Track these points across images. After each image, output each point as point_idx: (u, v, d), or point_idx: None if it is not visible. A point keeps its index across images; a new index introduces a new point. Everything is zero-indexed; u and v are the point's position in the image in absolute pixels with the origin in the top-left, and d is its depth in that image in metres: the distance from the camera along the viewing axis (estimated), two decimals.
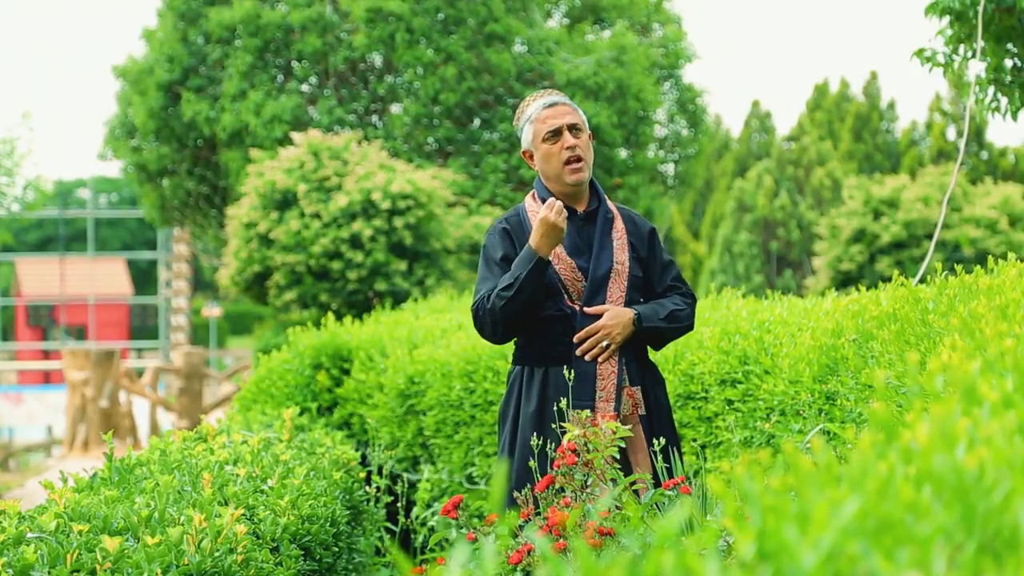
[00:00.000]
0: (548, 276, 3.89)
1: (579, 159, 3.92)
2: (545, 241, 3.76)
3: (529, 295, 3.80)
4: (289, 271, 12.44)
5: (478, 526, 3.16)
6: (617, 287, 3.93)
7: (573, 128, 3.94)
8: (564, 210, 3.79)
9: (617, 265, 3.94)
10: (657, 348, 4.08)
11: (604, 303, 3.90)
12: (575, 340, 3.85)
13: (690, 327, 4.04)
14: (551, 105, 3.95)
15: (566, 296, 3.91)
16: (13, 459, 17.93)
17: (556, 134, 3.92)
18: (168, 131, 19.84)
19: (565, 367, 3.85)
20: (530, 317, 3.89)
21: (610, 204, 4.06)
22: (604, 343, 3.83)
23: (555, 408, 3.87)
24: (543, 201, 3.96)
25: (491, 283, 3.88)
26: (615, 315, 3.85)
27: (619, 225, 4.01)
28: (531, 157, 4.01)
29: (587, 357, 3.84)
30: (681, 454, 3.94)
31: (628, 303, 3.93)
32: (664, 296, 4.03)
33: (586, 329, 3.85)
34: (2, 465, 17.09)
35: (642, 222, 4.10)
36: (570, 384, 3.84)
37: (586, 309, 3.87)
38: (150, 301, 36.26)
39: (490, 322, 3.85)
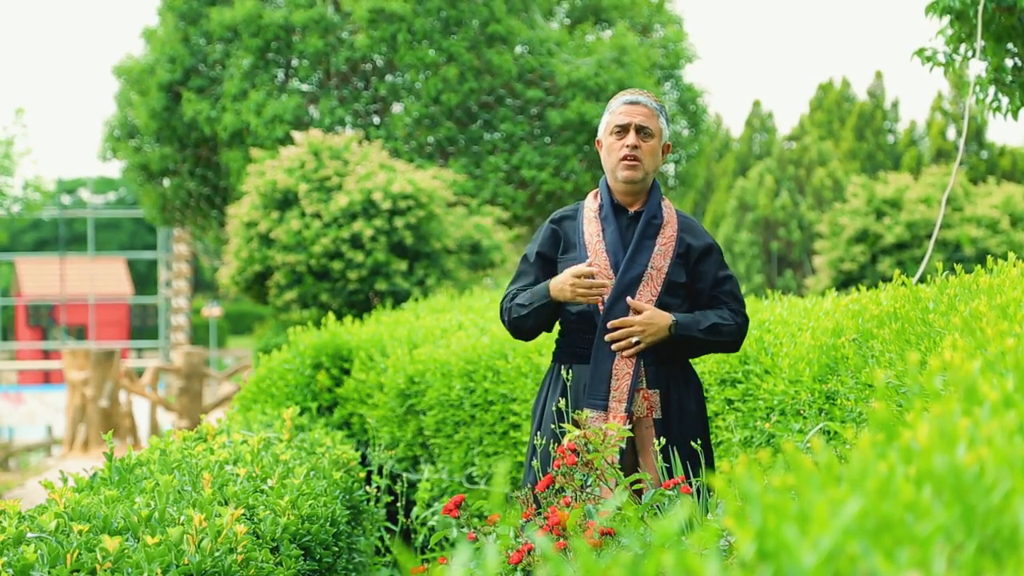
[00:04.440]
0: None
1: (635, 158, 3.92)
2: (563, 292, 3.86)
3: (535, 324, 3.97)
4: (289, 271, 12.44)
5: (478, 526, 3.15)
6: (648, 291, 3.90)
7: (642, 130, 3.94)
8: (589, 290, 3.83)
9: (652, 270, 3.90)
10: (691, 356, 4.02)
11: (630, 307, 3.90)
12: (608, 326, 3.85)
13: (735, 344, 3.97)
14: (632, 103, 3.97)
15: None
16: (13, 459, 17.93)
17: (623, 130, 3.95)
18: (169, 131, 19.84)
19: (582, 366, 3.90)
20: (553, 320, 4.03)
21: (668, 210, 4.03)
22: (634, 339, 3.83)
23: (554, 408, 3.90)
24: (601, 197, 4.01)
25: (521, 282, 4.05)
26: (652, 316, 3.84)
27: (668, 232, 3.97)
28: (601, 147, 4.05)
29: (613, 347, 3.84)
30: (709, 458, 3.92)
31: (660, 307, 3.90)
32: (712, 307, 3.98)
33: (620, 319, 3.85)
34: (2, 465, 17.09)
35: (702, 232, 4.06)
36: (584, 383, 3.87)
37: (629, 301, 3.84)
38: (150, 301, 36.26)
39: (507, 325, 4.06)
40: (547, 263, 4.05)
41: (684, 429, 3.87)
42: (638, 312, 3.86)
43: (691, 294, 3.99)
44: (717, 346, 3.96)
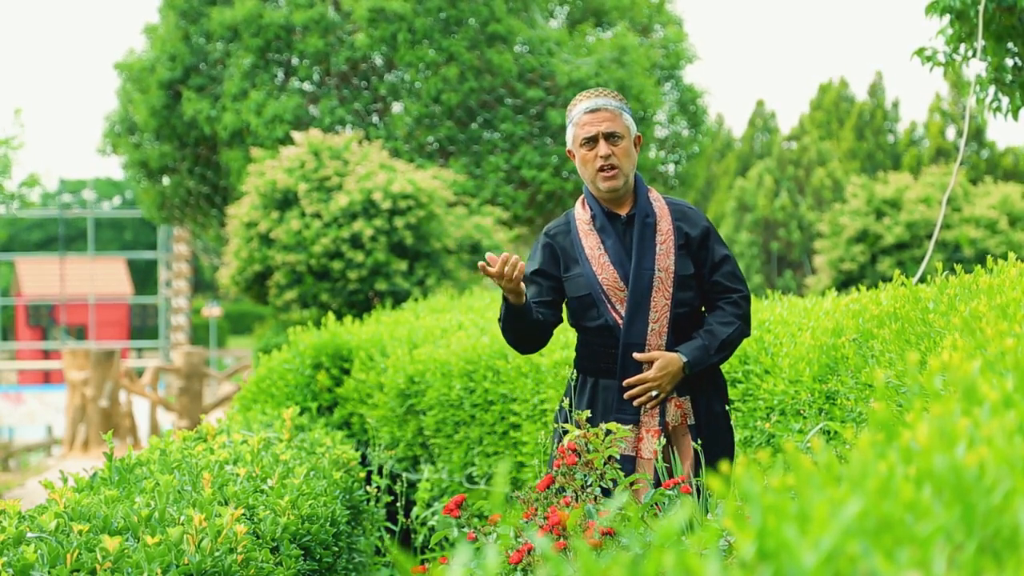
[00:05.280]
0: (590, 285, 3.88)
1: (612, 167, 3.87)
2: (507, 295, 3.77)
3: (516, 334, 3.87)
4: (289, 271, 12.44)
5: (479, 526, 3.16)
6: (662, 295, 3.85)
7: (610, 136, 3.87)
8: (512, 275, 3.67)
9: (660, 273, 3.85)
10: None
11: (648, 314, 3.83)
12: (624, 384, 3.83)
13: (746, 334, 3.95)
14: (592, 111, 3.89)
15: (609, 306, 3.87)
16: (13, 459, 17.93)
17: (592, 141, 3.88)
18: (169, 129, 19.84)
19: (607, 380, 3.87)
20: (569, 328, 3.96)
21: (656, 202, 3.96)
22: (653, 393, 3.82)
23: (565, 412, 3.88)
24: (590, 208, 3.95)
25: None
26: (665, 365, 3.81)
27: (664, 227, 3.91)
28: (574, 157, 4.00)
29: (635, 403, 3.82)
30: (731, 456, 3.92)
31: (676, 307, 3.86)
32: (715, 308, 3.94)
33: (636, 378, 3.82)
34: (2, 465, 17.09)
35: (696, 216, 3.98)
36: (612, 398, 3.85)
37: (636, 356, 3.82)
38: (150, 301, 36.27)
39: (506, 341, 3.99)
40: (548, 279, 3.97)
41: (712, 431, 3.86)
42: (649, 363, 3.83)
43: (700, 281, 3.96)
44: (731, 354, 3.95)
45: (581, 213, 3.99)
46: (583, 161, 3.92)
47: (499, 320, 3.90)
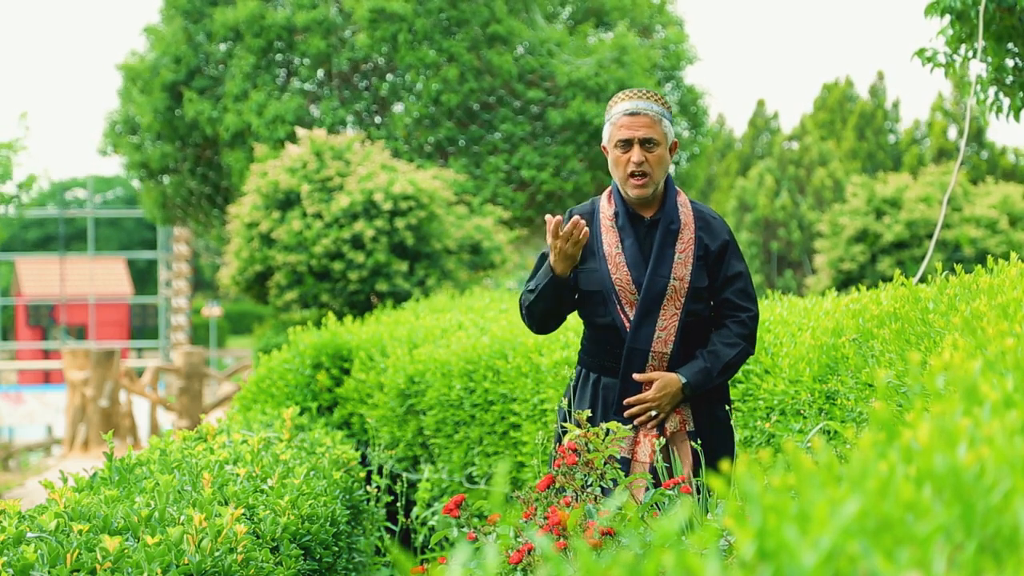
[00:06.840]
0: (602, 283, 3.87)
1: (643, 175, 3.84)
2: (557, 263, 3.81)
3: (547, 305, 3.88)
4: (290, 271, 12.43)
5: (479, 525, 3.15)
6: (673, 304, 3.83)
7: (646, 142, 3.84)
8: (579, 239, 3.78)
9: (675, 281, 3.83)
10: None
11: (656, 323, 3.82)
12: (625, 403, 3.83)
13: (750, 353, 3.93)
14: (632, 113, 3.85)
15: (618, 306, 3.85)
16: (13, 459, 17.93)
17: (627, 144, 3.85)
18: (171, 130, 19.85)
19: (609, 379, 3.87)
20: (576, 317, 3.94)
21: (683, 208, 3.93)
22: (652, 413, 3.82)
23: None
24: (615, 204, 3.93)
25: (537, 279, 3.96)
26: (664, 386, 3.81)
27: (686, 236, 3.88)
28: (607, 152, 3.97)
29: (635, 422, 3.83)
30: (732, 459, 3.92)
31: (686, 317, 3.85)
32: (721, 325, 3.91)
33: (636, 398, 3.82)
34: (2, 465, 17.09)
35: (718, 228, 3.95)
36: (612, 398, 3.85)
37: (636, 377, 3.82)
38: (150, 301, 36.27)
39: (524, 316, 3.99)
40: None
41: (715, 436, 3.85)
42: (648, 383, 3.83)
43: (712, 292, 3.93)
44: (732, 375, 3.94)
45: (606, 207, 3.96)
46: (616, 162, 3.89)
47: (528, 292, 3.90)
